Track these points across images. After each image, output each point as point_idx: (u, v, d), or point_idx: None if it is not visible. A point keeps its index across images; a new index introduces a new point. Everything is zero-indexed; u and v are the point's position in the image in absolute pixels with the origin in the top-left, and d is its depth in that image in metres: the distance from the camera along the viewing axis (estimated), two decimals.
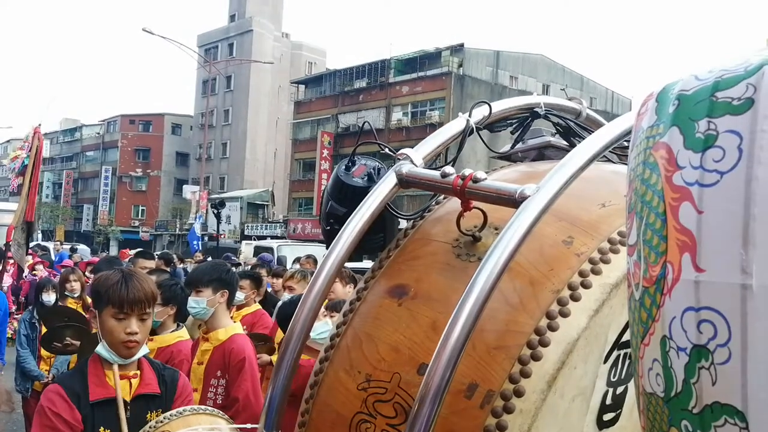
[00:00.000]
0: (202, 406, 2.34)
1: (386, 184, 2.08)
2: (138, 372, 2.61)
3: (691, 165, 1.01)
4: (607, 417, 1.97)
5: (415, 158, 2.13)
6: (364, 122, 2.49)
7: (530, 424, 1.75)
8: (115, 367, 2.52)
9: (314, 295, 2.02)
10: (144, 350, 2.64)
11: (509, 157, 2.74)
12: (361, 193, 2.15)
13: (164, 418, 2.10)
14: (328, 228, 2.27)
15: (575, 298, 1.81)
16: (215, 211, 24.99)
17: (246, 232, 46.31)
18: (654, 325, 1.07)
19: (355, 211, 2.06)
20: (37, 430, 2.42)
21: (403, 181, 2.09)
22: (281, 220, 48.03)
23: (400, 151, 2.17)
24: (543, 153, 2.66)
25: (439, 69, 44.98)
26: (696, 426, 1.01)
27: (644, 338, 1.10)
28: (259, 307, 6.81)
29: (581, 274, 1.85)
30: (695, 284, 1.00)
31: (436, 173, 2.03)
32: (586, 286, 1.83)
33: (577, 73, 52.07)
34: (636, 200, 1.12)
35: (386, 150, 2.29)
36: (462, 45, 45.51)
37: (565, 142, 2.56)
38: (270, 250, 21.90)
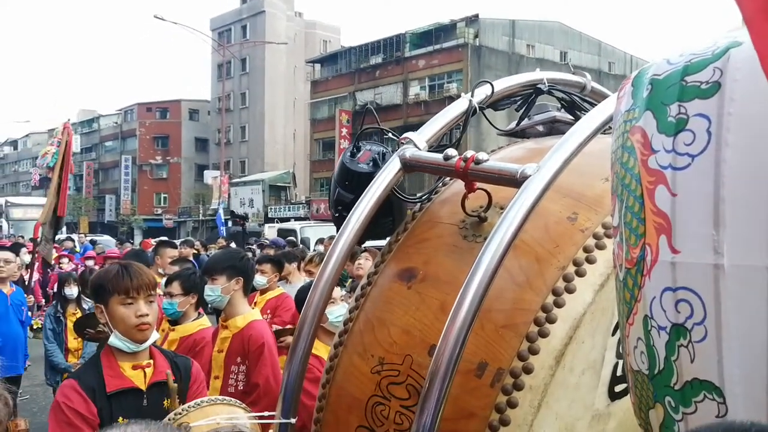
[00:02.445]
0: (220, 397, 2.39)
1: (390, 169, 2.10)
2: (151, 361, 2.67)
3: (665, 149, 1.03)
4: (619, 388, 1.99)
5: (419, 142, 2.15)
6: (366, 106, 2.51)
7: (540, 400, 1.77)
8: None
9: (325, 280, 2.06)
10: (155, 336, 2.70)
11: (523, 133, 2.74)
12: (367, 178, 2.17)
13: (182, 410, 2.14)
14: (337, 215, 2.29)
15: (580, 274, 1.83)
16: (240, 223, 24.40)
17: (270, 215, 46.46)
18: (636, 305, 1.10)
19: (361, 197, 2.08)
20: (54, 425, 2.47)
21: (407, 166, 2.11)
22: (304, 201, 48.14)
23: (403, 135, 2.18)
24: (554, 127, 2.65)
25: (455, 41, 44.56)
26: (678, 402, 1.04)
27: (629, 318, 1.13)
28: (283, 290, 6.87)
29: (586, 249, 1.87)
30: (672, 265, 1.02)
31: (439, 156, 2.04)
32: (591, 261, 1.85)
33: (594, 39, 51.32)
34: (617, 183, 1.14)
35: (390, 134, 2.31)
36: (477, 16, 45.01)
37: (571, 117, 2.56)
38: (293, 232, 22.02)
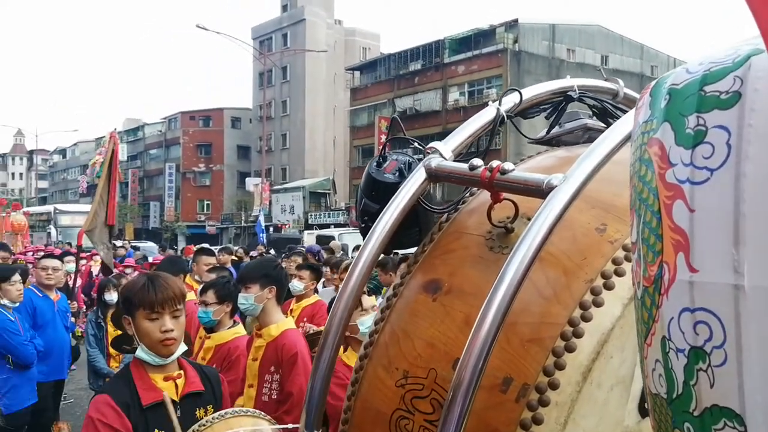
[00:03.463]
0: (244, 408, 2.38)
1: (415, 180, 2.08)
2: (181, 372, 2.68)
3: (683, 162, 0.98)
4: None
5: (444, 151, 2.12)
6: (393, 116, 2.50)
7: (567, 417, 1.73)
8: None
9: (349, 290, 2.03)
10: (182, 348, 2.69)
11: (559, 141, 2.69)
12: (393, 188, 2.14)
13: (206, 421, 2.14)
14: (363, 225, 2.28)
15: (609, 287, 1.78)
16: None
17: (309, 221, 46.79)
18: (654, 326, 1.05)
19: (385, 208, 2.06)
20: None
21: (433, 176, 2.08)
22: (343, 208, 48.35)
23: (429, 145, 2.16)
24: (591, 136, 2.60)
25: (494, 46, 44.41)
26: (697, 429, 0.99)
27: (647, 338, 1.08)
28: (319, 298, 6.88)
29: (615, 261, 1.82)
30: (690, 285, 0.97)
31: (465, 166, 2.01)
32: (619, 274, 1.79)
33: (636, 42, 50.63)
34: (634, 197, 1.10)
35: (416, 144, 2.28)
36: (516, 21, 44.80)
37: (603, 124, 2.51)
38: (331, 238, 22.13)
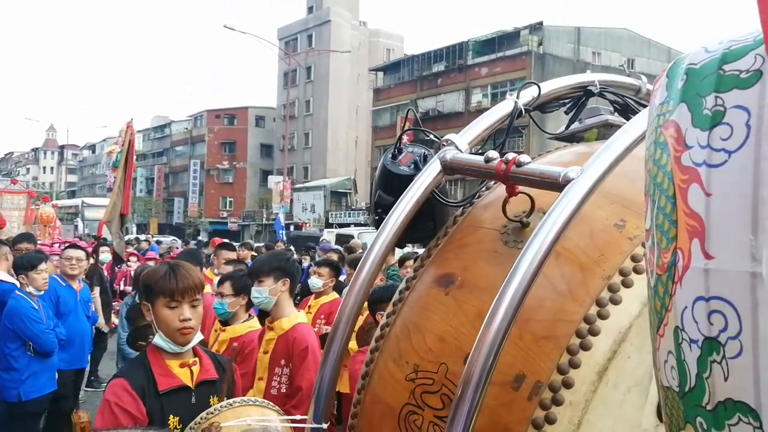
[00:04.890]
0: (252, 398, 2.37)
1: (430, 172, 2.04)
2: (196, 359, 2.69)
3: (699, 144, 0.93)
4: None
5: (460, 144, 2.08)
6: (408, 109, 2.46)
7: (581, 417, 1.68)
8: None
9: (359, 284, 2.00)
10: (198, 337, 2.70)
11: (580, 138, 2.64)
12: (407, 181, 2.11)
13: (214, 409, 2.13)
14: (377, 218, 2.24)
15: (627, 285, 1.73)
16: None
17: (330, 220, 46.82)
18: (667, 315, 1.00)
19: (399, 200, 2.03)
20: (101, 424, 2.47)
21: (448, 168, 2.04)
22: (364, 207, 48.29)
23: (444, 137, 2.12)
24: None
25: (519, 49, 44.17)
26: (710, 423, 0.94)
27: (659, 328, 1.03)
28: (338, 295, 6.85)
29: (633, 258, 1.77)
30: (705, 272, 0.91)
31: (480, 158, 1.97)
32: (638, 271, 1.74)
33: (663, 45, 50.10)
34: (649, 182, 1.05)
35: (431, 136, 2.25)
36: (541, 23, 44.53)
37: (625, 120, 2.45)
38: (351, 237, 22.11)
